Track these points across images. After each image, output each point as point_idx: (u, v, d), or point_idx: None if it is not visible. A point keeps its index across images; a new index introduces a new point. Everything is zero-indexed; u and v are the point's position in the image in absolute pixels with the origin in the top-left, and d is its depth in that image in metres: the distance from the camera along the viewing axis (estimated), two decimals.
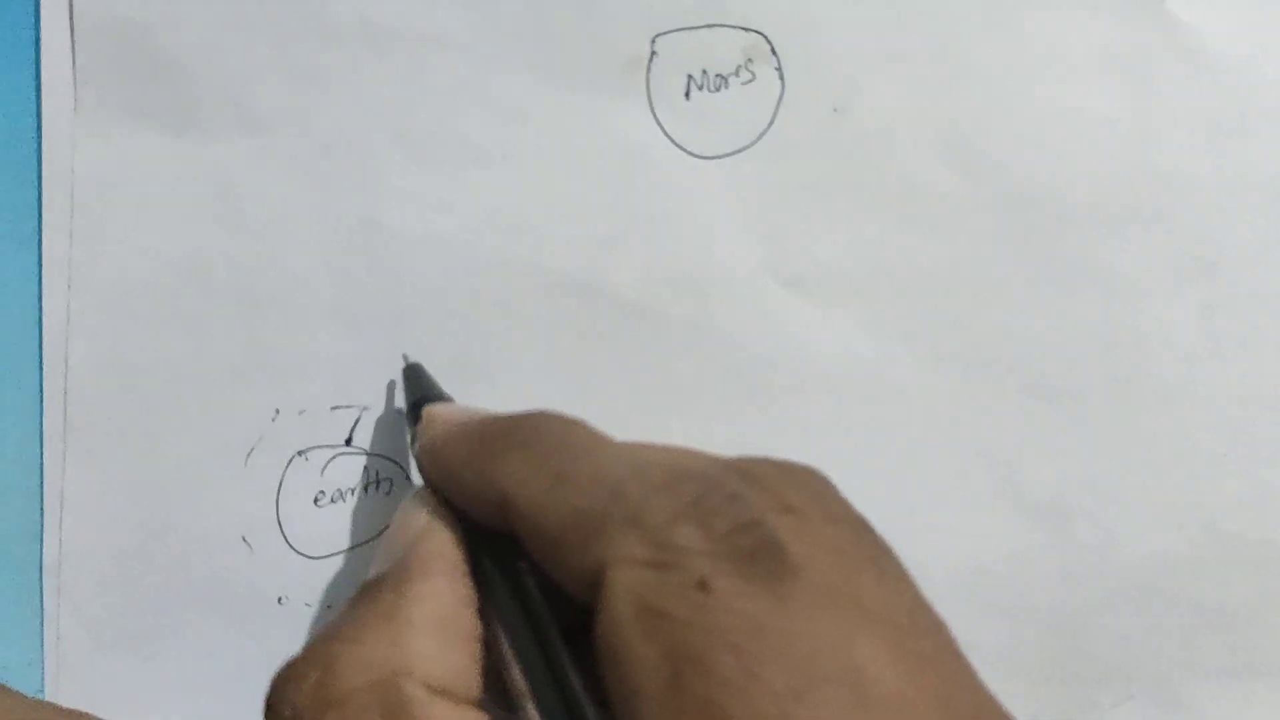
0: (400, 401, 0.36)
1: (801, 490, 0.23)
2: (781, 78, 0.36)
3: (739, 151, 0.37)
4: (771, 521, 0.22)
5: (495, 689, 0.24)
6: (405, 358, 0.36)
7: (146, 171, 0.35)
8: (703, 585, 0.21)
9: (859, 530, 0.23)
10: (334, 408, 0.36)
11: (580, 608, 0.22)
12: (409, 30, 0.35)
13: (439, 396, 0.33)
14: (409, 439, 0.34)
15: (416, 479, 0.36)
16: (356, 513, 0.37)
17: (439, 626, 0.24)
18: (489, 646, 0.24)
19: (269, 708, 0.23)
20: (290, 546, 0.37)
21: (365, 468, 0.37)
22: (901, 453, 0.37)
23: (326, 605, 0.36)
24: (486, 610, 0.24)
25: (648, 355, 0.37)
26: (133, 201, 0.35)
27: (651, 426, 0.37)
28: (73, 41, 0.35)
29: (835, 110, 0.36)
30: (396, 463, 0.37)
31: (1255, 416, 0.37)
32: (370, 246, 0.36)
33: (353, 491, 0.37)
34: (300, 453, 0.36)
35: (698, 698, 0.19)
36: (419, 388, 0.34)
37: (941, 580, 0.37)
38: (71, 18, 0.35)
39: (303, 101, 0.35)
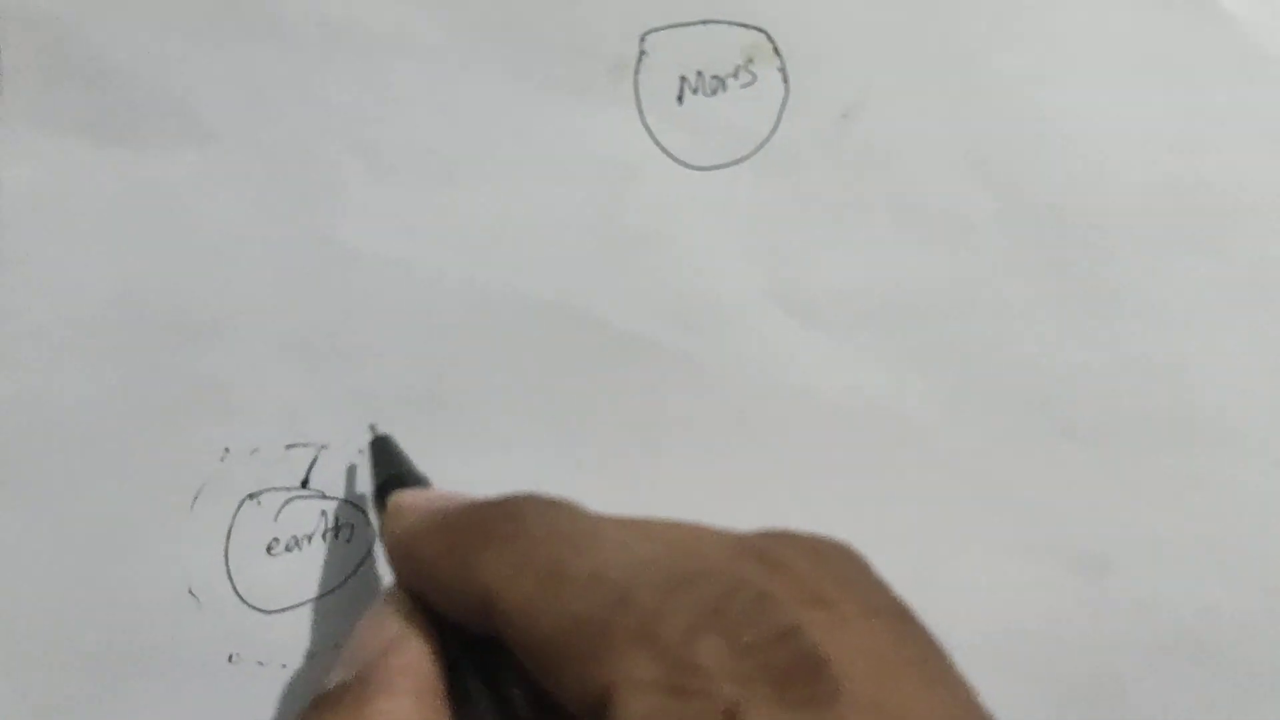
0: (363, 441, 0.35)
1: (834, 576, 0.23)
2: (786, 80, 0.36)
3: (738, 162, 0.36)
4: (805, 626, 0.21)
5: None
6: (373, 429, 0.35)
7: (78, 185, 0.34)
8: (731, 716, 0.19)
9: (900, 624, 0.23)
10: (289, 446, 0.36)
11: None
12: (370, 31, 0.35)
13: (410, 475, 0.33)
14: (376, 526, 0.34)
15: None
16: (314, 562, 0.36)
17: None
18: None
19: None
20: (241, 600, 0.35)
21: (323, 512, 0.36)
22: (919, 499, 0.37)
23: (281, 664, 0.35)
24: None
25: (637, 391, 0.36)
26: (61, 219, 0.35)
27: (641, 470, 0.36)
28: None
29: (845, 117, 0.36)
30: (358, 507, 0.36)
31: None
32: (328, 269, 0.35)
33: (310, 538, 0.36)
34: (252, 496, 0.35)
35: None
36: (387, 465, 0.34)
37: (967, 641, 0.35)
38: None
39: (252, 109, 0.35)
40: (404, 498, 0.30)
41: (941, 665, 0.22)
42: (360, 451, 0.36)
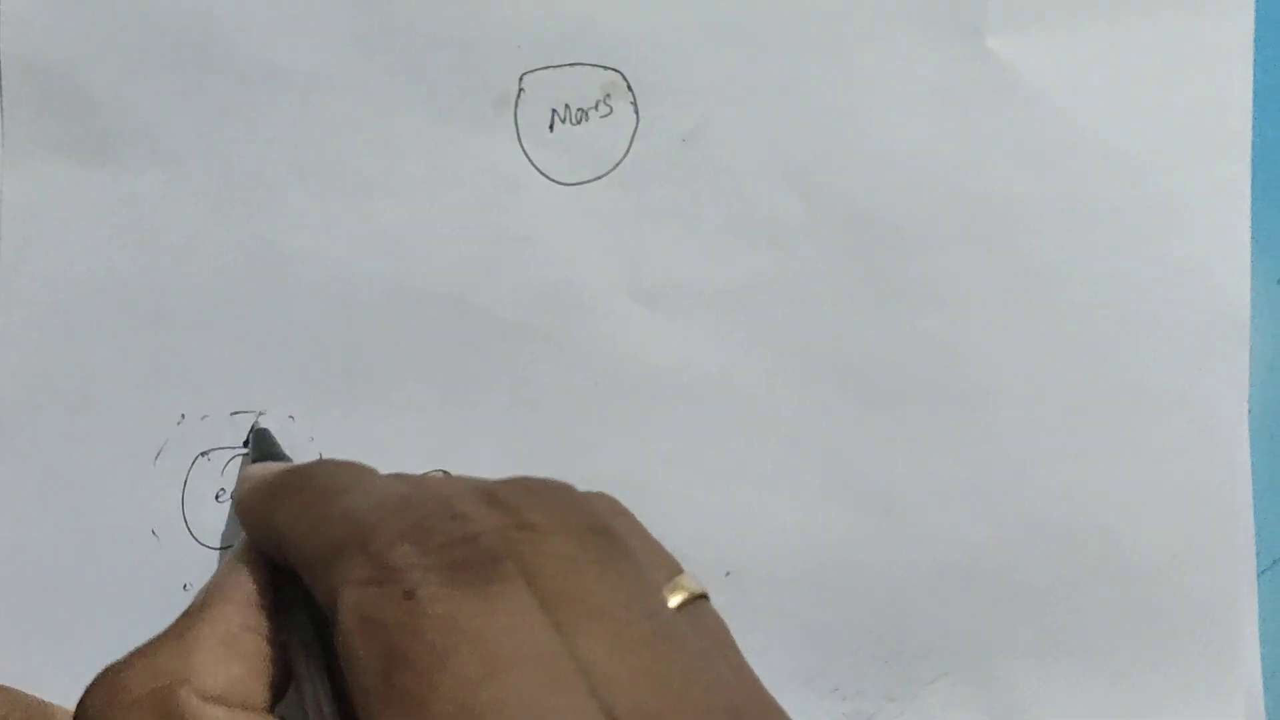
0: (294, 409, 0.39)
1: (541, 507, 0.26)
2: (636, 112, 0.38)
3: (598, 179, 0.39)
4: (493, 534, 0.24)
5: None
6: (255, 423, 0.38)
7: (66, 199, 0.38)
8: (409, 594, 0.23)
9: (588, 536, 0.26)
10: (233, 413, 0.38)
11: None
12: (303, 71, 0.38)
13: (277, 458, 0.36)
14: None
15: None
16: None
17: (221, 644, 0.27)
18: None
19: (77, 710, 0.26)
20: (194, 539, 0.39)
21: None
22: (743, 455, 0.39)
23: None
24: (285, 633, 0.28)
25: (515, 365, 0.39)
26: (53, 227, 0.38)
27: (516, 428, 0.39)
28: (0, 82, 0.37)
29: (684, 141, 0.39)
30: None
31: (1060, 416, 0.39)
32: (267, 267, 0.38)
33: None
34: (203, 454, 0.38)
35: (401, 689, 0.22)
36: (259, 451, 0.37)
37: (783, 571, 0.39)
38: None
39: (208, 136, 0.38)
40: (248, 469, 0.34)
41: (620, 563, 0.25)
42: (291, 417, 0.38)
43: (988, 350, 0.39)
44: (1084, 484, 0.39)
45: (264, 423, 0.39)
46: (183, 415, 0.38)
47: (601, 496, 0.29)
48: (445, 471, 0.38)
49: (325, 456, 0.39)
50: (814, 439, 0.39)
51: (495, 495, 0.26)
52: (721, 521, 0.39)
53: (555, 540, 0.25)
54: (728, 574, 0.39)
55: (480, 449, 0.39)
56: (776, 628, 0.39)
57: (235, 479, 0.39)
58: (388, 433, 0.38)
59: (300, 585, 0.27)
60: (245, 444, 0.39)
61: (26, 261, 0.38)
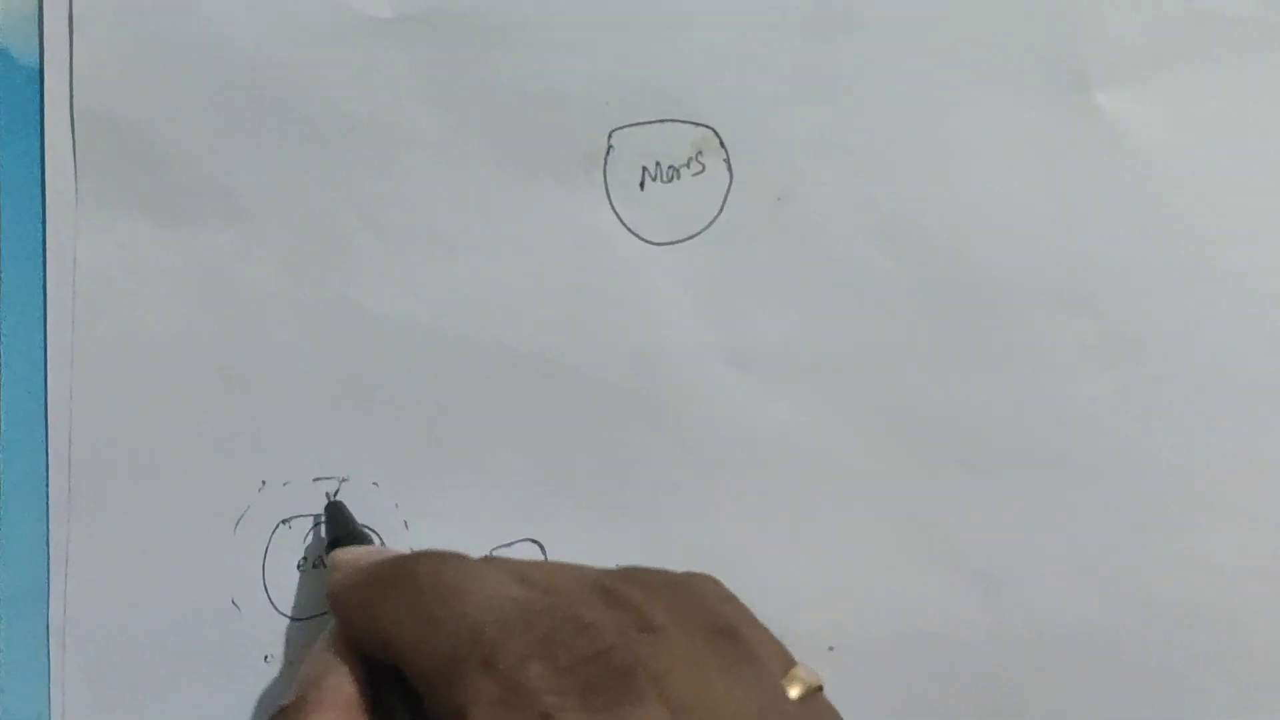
0: (377, 475, 0.38)
1: (664, 604, 0.26)
2: (729, 169, 0.38)
3: (690, 238, 0.38)
4: (623, 647, 0.24)
5: None
6: (327, 495, 0.37)
7: (142, 258, 0.37)
8: (547, 719, 0.23)
9: (714, 639, 0.26)
10: (316, 479, 0.38)
11: None
12: (382, 127, 0.37)
13: (353, 534, 0.36)
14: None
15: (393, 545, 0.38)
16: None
17: None
18: None
19: None
20: (275, 608, 0.38)
21: None
22: (843, 525, 0.39)
23: None
24: None
25: (603, 429, 0.38)
26: (130, 286, 0.37)
27: (606, 495, 0.38)
28: (74, 138, 0.36)
29: (779, 199, 0.38)
30: (374, 531, 0.38)
31: (1172, 486, 0.38)
32: (345, 327, 0.37)
33: None
34: (285, 521, 0.38)
35: None
36: (335, 527, 0.36)
37: (886, 646, 0.38)
38: (73, 117, 0.36)
39: (284, 193, 0.37)
40: (339, 555, 0.33)
41: (750, 669, 0.25)
42: (375, 484, 0.38)
43: (1094, 417, 0.38)
44: (1198, 557, 0.38)
45: (347, 489, 0.38)
46: (264, 481, 0.38)
47: (706, 580, 0.29)
48: (536, 541, 0.38)
49: (410, 524, 0.38)
50: (916, 508, 0.38)
51: (613, 593, 0.26)
52: (822, 594, 0.38)
53: (680, 644, 0.25)
54: (830, 649, 0.39)
55: (570, 517, 0.38)
56: (881, 706, 0.38)
57: (316, 546, 0.38)
58: (474, 499, 0.38)
59: (399, 684, 0.27)
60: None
61: (102, 322, 0.37)
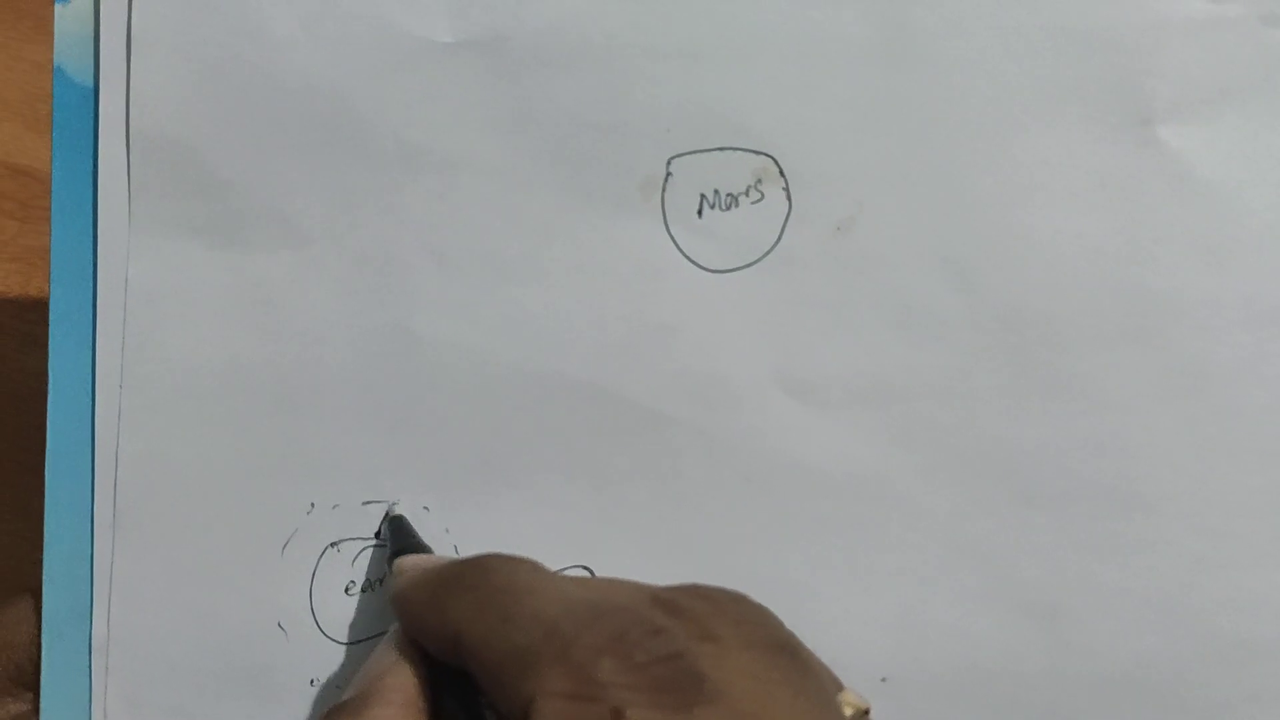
0: (428, 499, 0.38)
1: (725, 618, 0.26)
2: (789, 198, 0.38)
3: (748, 266, 0.38)
4: (693, 652, 0.24)
5: None
6: (390, 509, 0.37)
7: (194, 281, 0.37)
8: (617, 714, 0.23)
9: (776, 654, 0.25)
10: (365, 503, 0.38)
11: None
12: (441, 152, 0.37)
13: (416, 545, 0.36)
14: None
15: None
16: (384, 602, 0.38)
17: None
18: None
19: None
20: (323, 632, 0.38)
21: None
22: (899, 556, 0.38)
23: None
24: None
25: (660, 458, 0.38)
26: (181, 309, 0.37)
27: (660, 524, 0.38)
28: (128, 160, 0.37)
29: (839, 229, 0.38)
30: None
31: (1233, 523, 0.38)
32: (401, 353, 0.38)
33: (381, 582, 0.38)
34: (333, 544, 0.38)
35: None
36: (398, 539, 0.36)
37: (941, 678, 0.38)
38: (128, 139, 0.37)
39: (340, 217, 0.37)
40: (404, 560, 0.34)
41: (810, 685, 0.25)
42: (425, 508, 0.38)
43: (1155, 452, 0.38)
44: (1260, 594, 0.38)
45: (397, 513, 0.38)
46: (312, 504, 0.38)
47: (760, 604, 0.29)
48: (586, 568, 0.38)
49: (460, 548, 0.38)
50: (973, 540, 0.38)
51: (675, 604, 0.26)
52: (877, 625, 0.38)
53: (743, 655, 0.25)
54: (884, 680, 0.38)
55: (623, 545, 0.38)
56: None
57: (366, 571, 0.38)
58: (526, 525, 0.38)
59: (460, 685, 0.27)
60: (377, 535, 0.38)
61: (153, 345, 0.37)
